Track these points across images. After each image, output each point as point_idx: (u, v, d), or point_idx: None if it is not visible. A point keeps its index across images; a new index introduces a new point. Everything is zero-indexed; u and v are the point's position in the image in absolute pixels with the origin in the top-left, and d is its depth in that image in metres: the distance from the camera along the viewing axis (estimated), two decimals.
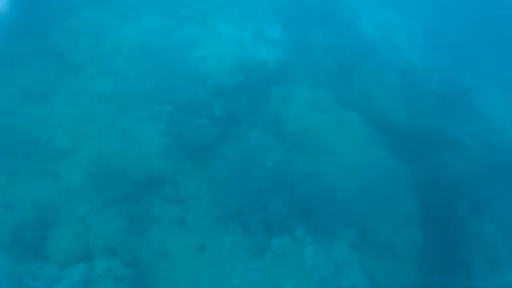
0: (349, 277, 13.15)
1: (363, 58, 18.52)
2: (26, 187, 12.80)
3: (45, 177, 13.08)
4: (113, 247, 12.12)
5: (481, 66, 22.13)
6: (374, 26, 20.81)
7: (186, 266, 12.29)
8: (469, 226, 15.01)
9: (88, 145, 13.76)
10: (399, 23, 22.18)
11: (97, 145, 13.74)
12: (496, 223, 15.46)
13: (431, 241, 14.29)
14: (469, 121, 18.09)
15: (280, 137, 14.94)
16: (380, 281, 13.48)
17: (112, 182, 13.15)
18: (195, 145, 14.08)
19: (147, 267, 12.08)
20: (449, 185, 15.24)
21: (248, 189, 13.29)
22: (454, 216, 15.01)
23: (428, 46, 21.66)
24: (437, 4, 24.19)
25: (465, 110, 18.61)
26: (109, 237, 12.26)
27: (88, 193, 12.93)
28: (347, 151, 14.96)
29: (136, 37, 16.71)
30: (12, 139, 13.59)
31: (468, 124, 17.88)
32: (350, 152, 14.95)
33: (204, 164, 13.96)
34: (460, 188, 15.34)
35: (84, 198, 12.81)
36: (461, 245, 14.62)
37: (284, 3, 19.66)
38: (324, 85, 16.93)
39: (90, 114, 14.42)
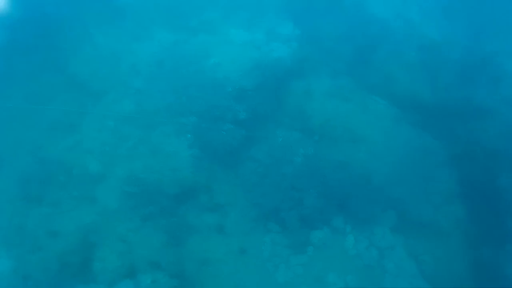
0: (394, 261, 12.93)
1: (379, 40, 18.25)
2: (66, 215, 13.22)
3: (83, 203, 13.47)
4: (156, 260, 12.35)
5: (503, 30, 21.26)
6: (385, 5, 20.42)
7: (229, 270, 12.38)
8: None
9: (120, 166, 14.11)
10: None
11: (128, 165, 14.07)
12: None
13: (475, 215, 13.90)
14: (499, 86, 17.40)
15: (306, 131, 14.87)
16: (427, 261, 13.18)
17: (147, 198, 13.43)
18: (223, 151, 14.22)
19: (192, 276, 12.22)
20: (486, 155, 14.76)
21: (281, 187, 13.31)
22: (496, 186, 14.50)
23: (444, 18, 21.04)
24: None
25: (493, 75, 17.91)
26: (151, 252, 12.51)
27: (125, 212, 13.25)
28: (376, 135, 14.75)
29: (151, 55, 17.06)
30: (48, 171, 14.06)
31: (498, 89, 17.21)
32: (379, 136, 14.74)
33: (235, 168, 14.06)
34: (497, 157, 14.82)
35: (123, 218, 13.14)
36: (507, 215, 14.08)
37: None
38: (344, 72, 16.77)
39: (117, 136, 14.79)
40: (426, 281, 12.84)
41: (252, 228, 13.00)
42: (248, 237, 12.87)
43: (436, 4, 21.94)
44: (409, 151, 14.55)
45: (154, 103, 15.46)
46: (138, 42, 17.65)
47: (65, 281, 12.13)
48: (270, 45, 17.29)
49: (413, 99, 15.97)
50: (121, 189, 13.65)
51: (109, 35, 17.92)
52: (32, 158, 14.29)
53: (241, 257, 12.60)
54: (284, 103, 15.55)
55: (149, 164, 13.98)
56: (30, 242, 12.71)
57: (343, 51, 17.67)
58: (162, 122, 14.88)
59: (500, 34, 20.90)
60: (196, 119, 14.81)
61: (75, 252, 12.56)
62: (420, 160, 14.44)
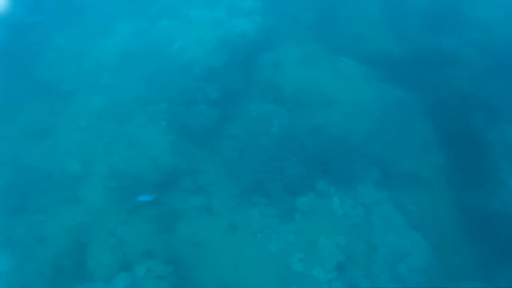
0: (382, 216, 13.20)
1: (341, 1, 18.14)
2: (53, 219, 13.17)
3: (68, 205, 13.41)
4: (148, 250, 12.44)
5: None
6: None
7: (222, 248, 12.52)
8: (488, 135, 14.67)
9: (99, 163, 14.03)
10: None
11: (108, 161, 13.99)
12: None
13: (454, 160, 14.17)
14: (464, 31, 17.41)
15: (279, 101, 14.86)
16: (413, 211, 13.46)
17: (131, 190, 13.41)
18: (199, 132, 14.19)
19: (185, 260, 12.36)
20: (458, 101, 14.95)
21: (261, 159, 13.37)
22: (471, 129, 14.72)
23: None
24: None
25: (458, 21, 17.91)
26: (142, 242, 12.58)
27: (111, 207, 13.24)
28: (348, 96, 14.82)
29: (115, 48, 16.75)
30: (28, 179, 13.93)
31: (464, 34, 17.22)
32: (351, 96, 14.80)
33: (213, 148, 14.07)
34: (469, 101, 15.02)
35: (110, 213, 13.13)
36: (484, 156, 14.33)
37: None
38: (310, 38, 16.67)
39: (92, 134, 14.65)
40: (415, 230, 13.13)
41: (238, 203, 13.10)
42: (235, 213, 12.99)
43: None
44: (383, 107, 14.68)
45: (124, 96, 15.30)
46: (100, 37, 17.33)
47: (62, 284, 12.20)
48: (233, 21, 17.09)
49: (381, 55, 16.02)
50: (103, 185, 13.61)
51: (70, 34, 17.57)
52: (10, 168, 14.18)
53: (231, 234, 12.74)
54: (254, 77, 15.49)
55: (128, 157, 13.92)
56: (21, 252, 12.69)
57: (307, 17, 17.53)
58: (135, 113, 14.76)
59: None
60: (168, 105, 14.70)
61: (67, 254, 12.58)
62: (395, 114, 14.59)
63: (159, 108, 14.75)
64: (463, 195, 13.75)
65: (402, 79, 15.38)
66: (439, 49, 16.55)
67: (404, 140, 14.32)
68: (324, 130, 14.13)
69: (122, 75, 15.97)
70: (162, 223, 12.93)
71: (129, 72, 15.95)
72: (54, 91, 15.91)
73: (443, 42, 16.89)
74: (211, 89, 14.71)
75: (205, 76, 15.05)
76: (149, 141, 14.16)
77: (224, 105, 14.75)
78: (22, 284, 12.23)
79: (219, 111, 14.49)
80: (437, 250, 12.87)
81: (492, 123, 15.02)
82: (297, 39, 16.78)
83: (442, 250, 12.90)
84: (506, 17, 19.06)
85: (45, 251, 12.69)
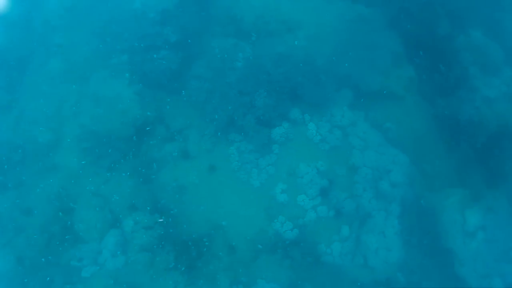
0: (359, 136, 13.29)
1: None
2: (34, 190, 13.09)
3: (46, 173, 13.29)
4: (133, 203, 12.56)
5: None
6: None
7: (205, 189, 12.67)
8: (456, 42, 14.46)
9: (69, 126, 13.76)
10: None
11: (77, 122, 13.71)
12: (482, 29, 14.76)
13: (424, 71, 14.10)
14: None
15: (241, 34, 14.47)
16: (390, 128, 13.63)
17: (106, 148, 13.25)
18: (164, 78, 13.85)
19: (171, 207, 12.51)
20: (422, 8, 14.58)
21: (230, 96, 13.15)
22: (437, 36, 14.45)
23: None
24: None
25: None
26: (126, 197, 12.67)
27: (90, 168, 13.16)
28: (310, 19, 14.40)
29: (60, 5, 15.71)
30: (0, 155, 13.62)
31: None
32: (313, 20, 14.40)
33: (181, 92, 13.81)
34: (433, 8, 14.63)
35: (89, 174, 13.09)
36: (454, 63, 14.17)
37: None
38: None
39: (56, 98, 14.19)
40: (393, 146, 13.36)
41: (214, 143, 13.10)
42: (213, 154, 13.02)
43: None
44: (346, 25, 14.34)
45: (80, 53, 14.70)
46: None
47: (55, 251, 12.31)
48: None
49: None
50: (78, 148, 13.42)
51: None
52: None
53: (212, 174, 12.84)
54: (212, 12, 14.87)
55: (96, 115, 13.59)
56: (10, 227, 12.67)
57: None
58: (96, 69, 14.22)
59: None
60: (128, 55, 14.17)
61: (55, 221, 12.63)
62: (360, 31, 14.27)
63: (119, 60, 14.22)
64: (437, 105, 13.82)
65: None
66: None
67: (372, 57, 14.12)
68: (289, 57, 13.84)
69: (74, 32, 15.23)
70: (142, 174, 12.92)
71: (81, 28, 15.20)
72: (7, 61, 15.15)
73: None
74: (170, 31, 14.09)
75: (161, 19, 14.36)
76: (115, 95, 13.77)
77: (185, 46, 14.26)
78: (18, 256, 12.32)
79: (181, 53, 14.02)
80: (417, 162, 13.20)
81: (458, 28, 14.75)
82: None
83: (422, 162, 13.23)
84: None
85: (33, 222, 12.71)
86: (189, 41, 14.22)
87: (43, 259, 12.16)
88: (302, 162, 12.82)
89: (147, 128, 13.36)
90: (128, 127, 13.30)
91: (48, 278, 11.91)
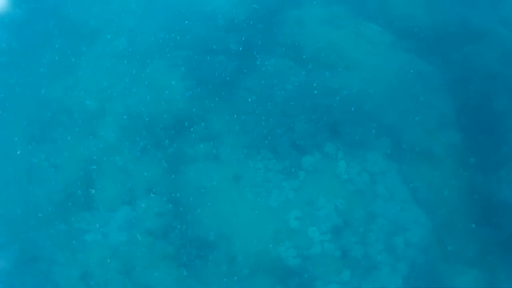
0: (386, 186, 13.15)
1: None
2: (68, 150, 13.79)
3: (84, 138, 13.98)
4: (153, 188, 12.96)
5: None
6: None
7: (224, 196, 12.86)
8: (510, 121, 14.25)
9: (117, 102, 14.45)
10: None
11: (125, 101, 14.39)
12: None
13: (469, 141, 13.83)
14: (497, 7, 16.69)
15: (298, 59, 14.75)
16: (420, 187, 13.32)
17: (145, 131, 13.82)
18: (216, 82, 14.33)
19: (187, 202, 12.80)
20: (482, 80, 14.45)
21: (273, 114, 13.44)
22: (492, 112, 14.27)
23: None
24: None
25: None
26: (148, 180, 13.10)
27: (124, 145, 13.73)
28: (370, 62, 14.56)
29: None
30: (49, 111, 14.52)
31: (496, 10, 16.48)
32: (372, 63, 14.54)
33: (228, 99, 14.21)
34: (494, 81, 14.49)
35: (121, 150, 13.64)
36: (502, 141, 13.91)
37: None
38: (337, 0, 16.25)
39: (113, 74, 15.01)
40: (418, 205, 13.07)
41: (245, 155, 13.32)
42: (241, 165, 13.23)
43: None
44: (403, 77, 14.37)
45: (146, 40, 15.53)
46: None
47: (70, 209, 12.91)
48: None
49: (408, 25, 15.51)
50: (119, 123, 14.07)
51: None
52: (34, 100, 14.75)
53: (235, 184, 13.03)
54: (276, 33, 15.35)
55: (144, 99, 14.24)
56: (37, 177, 13.42)
57: None
58: (155, 58, 14.98)
59: None
60: (189, 52, 14.84)
61: (78, 184, 13.24)
62: (415, 86, 14.27)
63: (179, 54, 14.91)
64: (474, 178, 13.46)
65: (427, 51, 14.94)
66: (469, 23, 15.87)
67: (421, 114, 14.03)
68: (340, 92, 14.00)
69: (146, 20, 16.13)
70: (170, 165, 13.33)
71: (153, 18, 16.10)
72: (79, 30, 16.24)
73: (475, 16, 16.15)
74: (232, 40, 14.72)
75: (228, 27, 15.03)
76: (166, 85, 14.42)
77: (243, 57, 14.75)
78: (35, 205, 13.03)
79: (237, 63, 14.54)
80: (438, 230, 12.82)
81: None
82: None
83: (443, 231, 12.84)
84: None
85: (59, 178, 13.38)
86: (248, 53, 14.69)
87: (55, 212, 12.83)
88: (323, 195, 12.81)
89: (187, 124, 13.81)
90: (169, 118, 13.84)
91: (53, 231, 12.53)
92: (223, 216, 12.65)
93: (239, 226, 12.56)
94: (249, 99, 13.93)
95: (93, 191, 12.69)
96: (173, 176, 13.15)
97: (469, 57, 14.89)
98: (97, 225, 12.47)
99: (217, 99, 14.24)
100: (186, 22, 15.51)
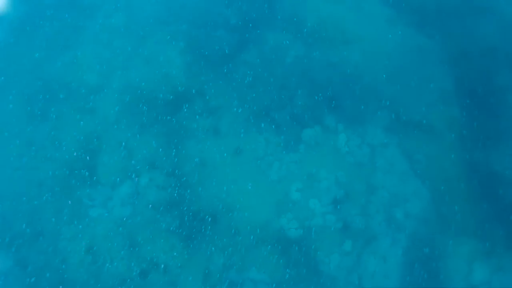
0: (386, 159, 13.27)
1: None
2: (69, 126, 13.76)
3: (84, 114, 13.94)
4: (154, 162, 13.03)
5: None
6: None
7: (225, 169, 12.97)
8: (509, 95, 14.29)
9: (116, 77, 14.39)
10: None
11: (124, 75, 14.34)
12: None
13: (470, 115, 13.91)
14: None
15: (298, 34, 14.72)
16: (420, 160, 13.47)
17: (145, 106, 13.81)
18: (215, 56, 14.29)
19: (188, 175, 12.90)
20: (483, 54, 14.46)
21: (273, 87, 13.47)
22: (493, 86, 14.29)
23: None
24: None
25: None
26: (150, 155, 13.15)
27: (124, 120, 13.73)
28: (369, 36, 14.54)
29: None
30: (48, 87, 14.40)
31: None
32: (372, 37, 14.53)
33: (227, 72, 14.20)
34: (495, 55, 14.50)
35: (122, 125, 13.64)
36: (503, 116, 13.99)
37: None
38: None
39: (112, 49, 14.90)
40: (418, 178, 13.22)
41: (246, 128, 13.39)
42: (242, 138, 13.31)
43: None
44: (403, 51, 14.38)
45: (145, 14, 15.37)
46: None
47: (73, 185, 12.96)
48: None
49: None
50: (118, 99, 14.04)
51: None
52: (33, 76, 14.59)
53: (236, 157, 13.13)
54: (276, 7, 15.24)
55: (144, 74, 14.21)
56: (39, 154, 13.41)
57: None
58: (154, 32, 14.88)
59: None
60: (187, 26, 14.75)
61: (80, 159, 13.27)
62: (415, 60, 14.29)
63: (178, 28, 14.82)
64: (474, 152, 13.58)
65: (427, 25, 14.91)
66: None
67: (421, 87, 14.10)
68: (339, 66, 14.02)
69: None
70: (171, 139, 13.38)
71: None
72: (78, 6, 16.04)
73: None
74: (231, 14, 14.63)
75: (227, 1, 14.90)
76: (166, 60, 14.37)
77: (243, 31, 14.70)
78: (39, 181, 13.03)
79: (237, 36, 14.49)
80: (437, 202, 12.99)
81: None
82: None
83: (442, 202, 12.99)
84: None
85: (61, 155, 13.38)
86: (247, 27, 14.62)
87: (59, 188, 12.87)
88: (324, 168, 12.94)
89: (187, 98, 13.82)
90: (169, 92, 13.84)
91: (58, 206, 12.61)
92: (225, 189, 12.76)
93: (241, 199, 12.68)
94: (249, 73, 13.93)
95: None
96: (174, 150, 13.21)
97: (470, 32, 14.85)
98: (100, 200, 12.58)
99: (216, 73, 14.22)
100: None
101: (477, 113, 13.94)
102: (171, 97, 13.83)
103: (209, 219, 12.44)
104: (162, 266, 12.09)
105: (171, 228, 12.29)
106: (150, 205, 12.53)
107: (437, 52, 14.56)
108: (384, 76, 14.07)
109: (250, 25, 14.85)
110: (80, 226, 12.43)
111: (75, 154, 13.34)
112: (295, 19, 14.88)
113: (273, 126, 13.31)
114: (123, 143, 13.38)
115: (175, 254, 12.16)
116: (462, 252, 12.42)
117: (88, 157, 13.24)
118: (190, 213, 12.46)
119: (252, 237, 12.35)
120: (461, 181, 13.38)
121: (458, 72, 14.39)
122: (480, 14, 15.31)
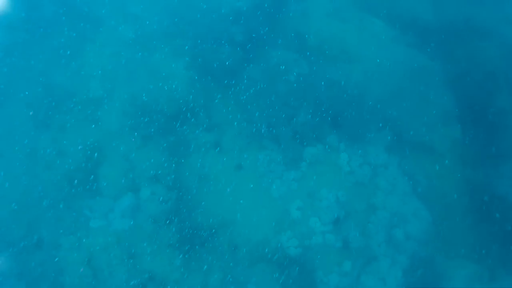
0: (387, 179, 13.29)
1: None
2: (73, 136, 13.80)
3: (88, 125, 14.00)
4: (156, 175, 13.05)
5: None
6: None
7: (226, 185, 12.97)
8: (511, 117, 14.36)
9: (121, 89, 14.48)
10: None
11: (129, 88, 14.43)
12: None
13: (471, 136, 13.96)
14: (502, 5, 16.72)
15: (302, 51, 14.85)
16: (421, 181, 13.47)
17: (148, 119, 13.87)
18: (220, 72, 14.40)
19: (189, 190, 12.92)
20: (485, 77, 14.58)
21: (276, 105, 13.56)
22: (494, 108, 14.39)
23: None
24: None
25: None
26: (152, 168, 13.17)
27: (127, 132, 13.78)
28: (372, 56, 14.67)
29: None
30: (53, 96, 14.49)
31: (501, 9, 16.52)
32: (375, 57, 14.65)
33: (231, 88, 14.29)
34: (496, 78, 14.62)
35: (125, 138, 13.70)
36: (503, 138, 14.05)
37: None
38: None
39: (118, 61, 15.02)
40: (419, 199, 13.22)
41: (248, 145, 13.44)
42: (244, 154, 13.35)
43: None
44: (405, 72, 14.49)
45: (151, 28, 15.52)
46: None
47: (73, 196, 12.96)
48: None
49: (412, 20, 15.57)
50: (122, 111, 14.12)
51: None
52: (38, 84, 14.69)
53: (237, 173, 13.15)
54: (281, 25, 15.41)
55: (148, 87, 14.31)
56: (41, 163, 13.44)
57: None
58: (160, 46, 15.03)
59: None
60: (193, 42, 14.89)
61: (82, 170, 13.29)
62: (417, 81, 14.40)
63: (184, 43, 14.95)
64: (475, 173, 13.60)
65: (430, 47, 15.06)
66: (473, 20, 15.93)
67: (423, 109, 14.18)
68: (342, 85, 14.13)
69: (151, 7, 16.09)
70: (173, 153, 13.43)
71: (158, 5, 16.06)
72: (85, 17, 16.20)
73: (478, 14, 16.19)
74: (237, 31, 14.80)
75: (233, 18, 15.09)
76: (170, 74, 14.49)
77: (247, 48, 14.84)
78: (40, 192, 13.03)
79: (241, 53, 14.62)
80: (438, 224, 12.95)
81: None
82: None
83: (443, 225, 12.96)
84: None
85: (63, 164, 13.40)
86: (252, 44, 14.77)
87: (59, 198, 12.89)
88: (325, 187, 12.96)
89: (190, 112, 13.89)
90: (173, 106, 13.91)
91: (58, 216, 12.65)
92: (226, 205, 12.77)
93: (241, 215, 12.68)
94: (252, 90, 14.04)
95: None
96: (176, 164, 13.25)
97: (472, 54, 14.99)
98: (101, 211, 12.60)
99: (220, 88, 14.33)
100: (192, 11, 15.52)
101: (477, 135, 14.00)
102: (174, 110, 13.91)
103: (209, 234, 12.43)
104: (159, 280, 12.05)
105: (171, 241, 12.28)
106: (151, 218, 12.54)
107: (439, 73, 14.68)
108: (386, 96, 14.16)
109: (255, 42, 15.00)
110: (80, 237, 12.42)
111: (77, 164, 13.37)
112: (299, 37, 15.05)
113: (275, 143, 13.37)
114: (125, 155, 13.42)
115: (173, 268, 12.13)
116: (462, 275, 12.39)
117: (90, 168, 13.28)
118: (190, 228, 12.45)
119: (250, 254, 12.32)
120: (461, 202, 13.37)
121: (459, 93, 14.49)
122: (482, 37, 15.48)
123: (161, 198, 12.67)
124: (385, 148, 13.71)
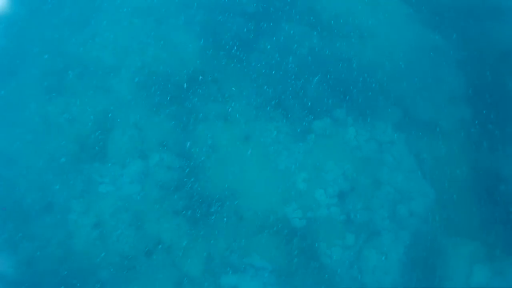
0: (394, 155, 13.35)
1: None
2: (84, 103, 13.96)
3: (99, 92, 14.14)
4: (165, 143, 13.25)
5: None
6: None
7: (234, 155, 13.13)
8: None
9: (132, 58, 14.54)
10: None
11: (140, 57, 14.48)
12: None
13: (479, 118, 13.88)
14: None
15: (314, 26, 14.78)
16: (426, 159, 13.52)
17: (158, 88, 13.98)
18: (231, 43, 14.41)
19: (197, 158, 13.10)
20: (498, 58, 14.40)
21: (286, 77, 13.60)
22: (505, 90, 14.31)
23: None
24: None
25: None
26: (161, 136, 13.36)
27: (138, 101, 13.90)
28: (384, 33, 14.57)
29: None
30: (66, 64, 14.60)
31: None
32: (387, 34, 14.55)
33: (242, 59, 14.32)
34: (510, 59, 14.47)
35: (135, 106, 13.83)
36: (511, 119, 13.99)
37: None
38: None
39: (130, 30, 15.03)
40: (424, 176, 13.30)
41: (257, 116, 13.55)
42: (252, 125, 13.47)
43: None
44: (417, 50, 14.39)
45: None
46: None
47: (83, 161, 13.22)
48: None
49: None
50: (133, 79, 14.21)
51: None
52: (51, 52, 14.77)
53: (245, 143, 13.29)
54: None
55: (159, 56, 14.37)
56: (53, 129, 13.67)
57: None
58: (172, 16, 15.02)
59: None
60: (205, 11, 14.86)
61: (92, 136, 13.51)
62: (428, 59, 14.30)
63: (196, 13, 14.93)
64: (481, 154, 13.60)
65: (443, 26, 14.86)
66: (488, 0, 15.68)
67: (433, 87, 14.13)
68: (353, 60, 14.10)
69: None
70: (183, 122, 13.57)
71: None
72: None
73: None
74: (249, 2, 14.74)
75: None
76: (182, 43, 14.53)
77: (260, 20, 14.79)
78: (50, 155, 13.30)
79: (253, 25, 14.58)
80: (442, 202, 13.04)
81: None
82: None
83: (447, 203, 13.04)
84: None
85: (74, 130, 13.64)
86: (264, 16, 14.73)
87: (69, 163, 13.17)
88: (331, 160, 13.08)
89: (200, 83, 13.98)
90: (183, 76, 14.01)
91: (68, 181, 12.90)
92: (233, 175, 12.95)
93: (248, 185, 12.86)
94: (263, 61, 14.07)
95: None
96: (185, 133, 13.40)
97: (486, 34, 14.79)
98: (110, 177, 12.85)
99: (231, 60, 14.36)
100: None
101: (486, 116, 13.92)
102: (185, 80, 13.99)
103: (215, 203, 12.64)
104: (166, 245, 12.34)
105: (178, 208, 12.52)
106: (159, 185, 12.76)
107: (452, 52, 14.54)
108: (396, 73, 14.11)
109: (267, 14, 14.93)
110: (89, 202, 12.70)
111: (88, 131, 13.57)
112: (311, 11, 14.93)
113: (284, 115, 13.45)
114: (135, 123, 13.58)
115: (180, 234, 12.40)
116: (463, 253, 12.53)
117: (100, 135, 13.47)
118: (197, 196, 12.67)
119: (256, 224, 12.54)
120: (466, 182, 13.42)
121: (471, 74, 14.37)
122: (497, 16, 15.23)
123: (170, 165, 12.86)
124: (393, 124, 13.73)
